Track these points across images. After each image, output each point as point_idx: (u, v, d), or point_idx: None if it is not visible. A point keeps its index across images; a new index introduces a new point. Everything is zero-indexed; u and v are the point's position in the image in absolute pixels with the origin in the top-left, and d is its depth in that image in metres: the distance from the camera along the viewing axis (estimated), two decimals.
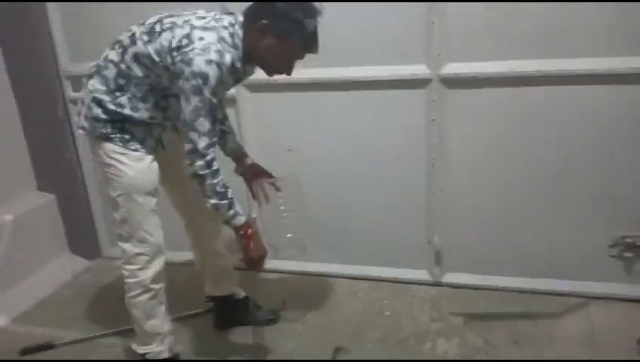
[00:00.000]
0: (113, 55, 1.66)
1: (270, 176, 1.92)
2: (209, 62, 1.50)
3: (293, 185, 1.94)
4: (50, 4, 2.49)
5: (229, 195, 1.63)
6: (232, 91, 2.11)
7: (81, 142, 2.70)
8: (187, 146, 1.57)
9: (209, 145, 1.57)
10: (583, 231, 2.14)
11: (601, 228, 2.11)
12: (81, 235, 2.83)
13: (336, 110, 2.27)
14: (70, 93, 2.64)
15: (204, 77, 1.49)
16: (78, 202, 2.78)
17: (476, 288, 2.27)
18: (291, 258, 2.05)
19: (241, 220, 1.67)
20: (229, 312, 2.15)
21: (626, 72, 1.89)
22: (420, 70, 2.10)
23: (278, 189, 1.89)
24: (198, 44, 1.51)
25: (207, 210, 1.95)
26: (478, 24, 1.98)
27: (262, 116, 2.34)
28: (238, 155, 1.92)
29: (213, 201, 1.62)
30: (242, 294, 2.16)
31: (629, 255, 2.11)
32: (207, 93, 1.51)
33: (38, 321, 2.34)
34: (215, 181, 1.59)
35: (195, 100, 1.51)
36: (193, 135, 1.54)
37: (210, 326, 2.18)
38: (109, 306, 2.40)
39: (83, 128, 1.73)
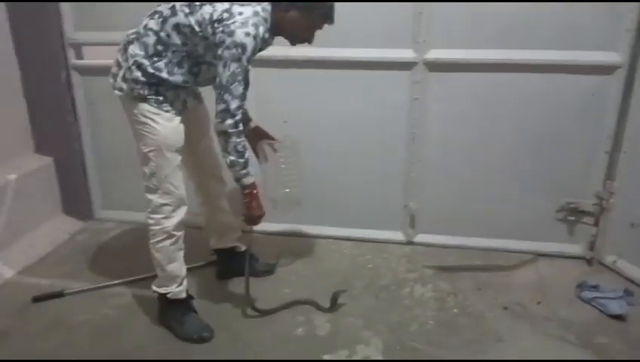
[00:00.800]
0: (153, 24, 1.85)
1: (271, 138, 2.17)
2: (247, 34, 1.73)
3: (291, 147, 2.16)
4: None
5: (246, 156, 1.87)
6: None
7: (81, 108, 2.84)
8: (220, 106, 1.78)
9: (239, 107, 1.80)
10: (534, 198, 2.53)
11: (550, 195, 2.51)
12: (75, 198, 2.95)
13: (329, 86, 2.53)
14: (73, 61, 2.76)
15: (244, 47, 1.72)
16: (74, 166, 2.90)
17: (445, 246, 2.63)
18: (288, 211, 2.24)
19: (250, 180, 1.91)
20: (231, 263, 2.39)
21: (573, 64, 2.28)
22: (406, 54, 2.41)
23: (275, 150, 2.13)
24: (238, 18, 1.74)
25: (215, 173, 2.21)
26: (458, 18, 2.31)
27: (261, 90, 2.55)
28: (244, 119, 2.11)
29: (232, 158, 1.85)
30: (243, 248, 2.41)
31: (571, 218, 2.53)
32: (244, 60, 1.74)
33: (43, 274, 2.48)
34: (239, 140, 1.83)
35: (233, 66, 1.74)
36: (227, 97, 1.76)
37: (212, 278, 2.41)
38: (108, 262, 2.58)
39: (120, 89, 1.91)
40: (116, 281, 2.38)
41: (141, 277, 2.37)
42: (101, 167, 2.96)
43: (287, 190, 2.14)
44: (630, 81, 2.25)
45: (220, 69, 1.76)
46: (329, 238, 2.71)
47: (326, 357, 1.92)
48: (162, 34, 1.83)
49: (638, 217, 2.33)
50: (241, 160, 1.85)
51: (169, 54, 1.85)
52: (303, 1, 1.82)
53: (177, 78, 1.88)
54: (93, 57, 2.84)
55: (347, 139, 2.60)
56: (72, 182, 2.93)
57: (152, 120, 1.89)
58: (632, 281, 2.34)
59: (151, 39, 1.84)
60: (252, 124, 2.18)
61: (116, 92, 1.95)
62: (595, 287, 2.28)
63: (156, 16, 1.86)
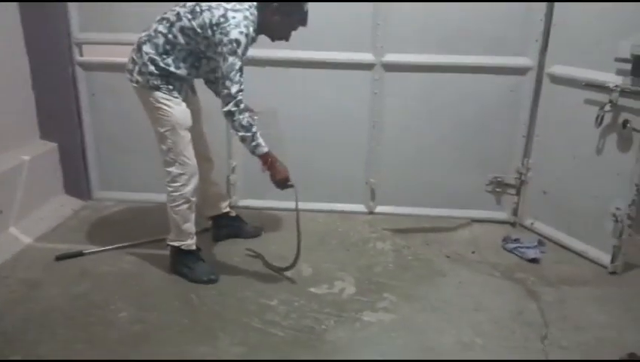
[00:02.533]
0: (162, 28, 2.31)
1: (251, 110, 2.50)
2: (241, 32, 2.19)
3: (271, 116, 2.58)
4: None
5: (254, 130, 2.26)
6: None
7: (84, 99, 3.21)
8: (224, 92, 2.22)
9: (239, 91, 2.22)
10: (468, 174, 3.14)
11: (481, 172, 3.13)
12: (76, 179, 3.31)
13: (304, 82, 3.05)
14: (77, 58, 3.15)
15: (238, 42, 2.18)
16: (75, 151, 3.27)
17: (399, 215, 3.19)
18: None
19: (263, 150, 2.28)
20: (224, 227, 2.85)
21: (496, 66, 2.91)
22: (367, 57, 2.98)
23: (254, 118, 2.42)
24: (232, 21, 2.20)
25: (205, 154, 2.63)
26: (409, 28, 2.90)
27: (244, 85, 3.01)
28: None
29: (241, 133, 2.25)
30: (234, 213, 2.88)
31: (498, 190, 3.16)
32: (239, 53, 2.19)
33: (59, 240, 2.85)
34: (242, 117, 2.24)
35: (231, 59, 2.18)
36: (228, 83, 2.20)
37: (209, 241, 2.86)
38: (113, 231, 2.97)
39: (137, 82, 2.34)
40: (127, 244, 2.78)
41: (148, 240, 2.79)
42: (100, 152, 3.34)
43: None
44: (539, 80, 2.90)
45: (221, 62, 2.20)
46: (304, 211, 3.17)
47: (312, 290, 2.43)
48: (170, 36, 2.28)
49: (548, 186, 2.98)
50: (249, 133, 2.25)
51: (175, 52, 2.30)
52: (284, 7, 2.28)
53: (183, 71, 2.33)
54: (90, 54, 3.22)
55: (319, 127, 3.12)
56: (73, 165, 3.28)
57: (166, 105, 2.33)
58: (545, 237, 2.98)
59: (160, 40, 2.29)
60: None
61: (133, 84, 2.38)
62: (516, 240, 2.91)
63: (164, 21, 2.31)
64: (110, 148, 3.31)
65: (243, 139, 2.27)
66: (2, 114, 2.89)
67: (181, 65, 2.33)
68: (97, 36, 3.12)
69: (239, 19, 2.21)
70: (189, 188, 2.40)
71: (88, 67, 3.18)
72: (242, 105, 2.24)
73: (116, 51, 3.03)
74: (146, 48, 2.31)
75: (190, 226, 2.46)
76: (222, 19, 2.21)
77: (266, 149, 2.29)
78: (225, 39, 2.18)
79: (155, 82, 2.31)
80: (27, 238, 2.82)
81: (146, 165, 3.10)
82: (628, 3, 2.43)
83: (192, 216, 2.47)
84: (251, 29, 2.25)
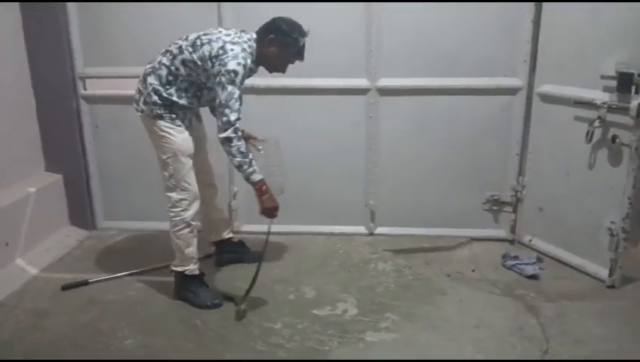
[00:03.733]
0: (165, 60, 2.41)
1: (254, 138, 2.65)
2: (238, 64, 2.28)
3: (273, 144, 2.65)
4: (72, 17, 3.09)
5: (250, 157, 2.33)
6: None
7: (87, 131, 3.30)
8: (222, 119, 2.27)
9: (237, 119, 2.27)
10: (466, 194, 3.20)
11: (477, 191, 3.19)
12: (80, 210, 3.38)
13: (300, 109, 3.13)
14: (82, 91, 3.25)
15: (236, 73, 2.27)
16: (80, 182, 3.34)
17: (399, 235, 3.24)
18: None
19: (258, 177, 2.33)
20: (227, 252, 2.90)
21: (487, 87, 2.99)
22: (362, 82, 3.08)
23: (258, 150, 2.60)
24: (230, 53, 2.30)
25: (209, 181, 2.70)
26: (401, 53, 3.00)
27: (246, 112, 3.03)
28: None
29: (238, 159, 2.31)
30: (236, 239, 2.93)
31: (495, 208, 3.21)
32: (237, 82, 2.27)
33: (64, 270, 2.90)
34: (240, 143, 2.28)
35: (230, 87, 2.26)
36: (227, 111, 2.25)
37: (212, 266, 2.90)
38: (118, 259, 3.02)
39: (142, 111, 2.44)
40: (132, 271, 2.83)
41: (153, 267, 2.84)
42: (103, 182, 3.41)
43: (272, 178, 2.53)
44: (530, 99, 2.99)
45: (220, 91, 2.27)
46: (305, 234, 3.27)
47: (315, 312, 2.46)
48: (172, 68, 2.38)
49: (544, 203, 3.04)
50: (246, 159, 2.30)
51: (178, 83, 2.40)
52: (281, 40, 2.37)
53: (185, 100, 2.42)
54: (93, 88, 3.32)
55: (317, 151, 3.19)
56: (77, 196, 3.36)
57: (168, 133, 2.42)
58: (543, 253, 3.02)
59: (164, 72, 2.40)
60: None
61: (138, 113, 2.48)
62: (515, 257, 2.95)
63: (167, 54, 2.41)
64: (113, 178, 3.39)
65: (240, 166, 2.31)
66: (8, 147, 2.98)
67: (183, 95, 2.43)
68: (100, 70, 3.23)
69: (237, 52, 2.31)
70: (190, 213, 2.46)
71: (92, 100, 3.27)
72: (240, 133, 2.31)
73: (118, 84, 3.15)
74: (151, 79, 2.41)
75: (193, 251, 2.52)
76: (220, 52, 2.31)
77: (261, 176, 2.34)
78: (223, 69, 2.27)
79: (159, 111, 2.41)
80: (34, 269, 2.87)
81: (149, 194, 3.17)
82: (610, 22, 2.52)
83: (195, 241, 2.52)
84: (249, 61, 2.34)
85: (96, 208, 3.44)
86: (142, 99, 2.44)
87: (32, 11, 3.06)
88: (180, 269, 2.53)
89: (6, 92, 2.99)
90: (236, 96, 2.27)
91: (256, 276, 2.47)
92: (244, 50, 2.34)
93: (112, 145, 3.32)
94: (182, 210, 2.46)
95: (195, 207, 2.49)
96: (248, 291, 2.47)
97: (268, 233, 2.52)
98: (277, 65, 2.46)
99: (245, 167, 2.32)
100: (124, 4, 3.05)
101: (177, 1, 3.00)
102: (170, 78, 2.40)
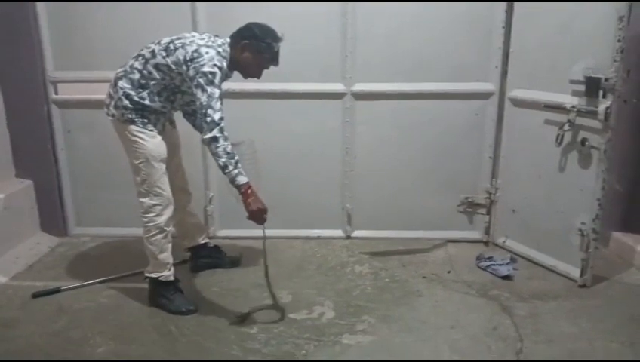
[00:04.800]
0: (137, 64, 2.38)
1: (231, 142, 2.51)
2: (214, 65, 2.25)
3: (248, 146, 2.63)
4: (42, 20, 3.03)
5: (236, 158, 2.24)
6: None
7: (59, 137, 3.24)
8: (206, 120, 2.19)
9: (221, 118, 2.22)
10: (441, 196, 3.23)
11: (452, 193, 3.23)
12: (52, 216, 3.31)
13: (276, 113, 3.13)
14: (52, 96, 3.19)
15: (213, 74, 2.24)
16: (51, 188, 3.27)
17: (376, 238, 3.26)
18: None
19: (243, 179, 2.24)
20: (202, 257, 2.86)
21: (461, 92, 3.05)
22: (337, 87, 3.09)
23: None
24: (205, 56, 2.27)
25: (183, 186, 2.67)
26: (375, 59, 3.03)
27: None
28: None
29: (223, 160, 2.21)
30: (212, 244, 2.90)
31: (469, 210, 3.26)
32: (216, 83, 2.24)
33: (35, 278, 2.83)
34: (226, 143, 2.22)
35: (210, 89, 2.22)
36: (210, 111, 2.20)
37: (187, 272, 2.87)
38: (90, 266, 2.96)
39: (113, 115, 2.41)
40: (104, 278, 2.77)
41: (125, 274, 2.80)
42: (75, 188, 3.34)
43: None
44: (502, 104, 3.04)
45: (199, 93, 2.23)
46: (282, 238, 3.24)
47: (291, 316, 2.45)
48: (145, 71, 2.36)
49: (516, 205, 3.09)
50: (232, 160, 2.22)
51: (150, 86, 2.37)
52: (255, 45, 2.36)
53: (157, 104, 2.40)
54: (65, 92, 3.26)
55: (294, 155, 3.20)
56: (49, 202, 3.28)
57: (140, 137, 2.39)
58: (517, 254, 3.06)
59: (136, 75, 2.37)
60: None
61: (109, 118, 2.44)
62: (490, 258, 2.99)
63: (140, 58, 2.39)
64: (86, 184, 3.32)
65: (225, 166, 2.23)
66: None
67: (156, 98, 2.40)
68: (72, 74, 3.17)
69: (212, 54, 2.29)
70: (163, 218, 2.43)
71: (63, 105, 3.21)
72: (226, 133, 2.24)
73: (92, 89, 3.10)
74: (122, 83, 2.38)
75: (167, 257, 2.48)
76: (195, 54, 2.29)
77: (246, 179, 2.28)
78: (200, 72, 2.24)
79: (130, 116, 2.38)
80: (3, 277, 2.79)
81: (122, 200, 3.12)
82: (579, 29, 2.59)
83: (168, 247, 2.49)
84: (224, 63, 2.33)
85: (68, 214, 3.37)
86: (112, 104, 2.41)
87: (1, 15, 2.99)
88: (153, 275, 2.49)
89: None
90: (217, 95, 2.23)
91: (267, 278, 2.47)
92: (218, 53, 2.32)
93: (84, 150, 3.26)
94: (155, 216, 2.42)
95: (169, 212, 2.46)
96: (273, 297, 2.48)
97: (264, 238, 2.44)
98: (251, 71, 2.44)
99: (231, 168, 2.23)
100: (99, 7, 3.01)
101: (151, 1, 2.97)
102: (143, 81, 2.38)
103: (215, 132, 2.22)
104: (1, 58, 3.06)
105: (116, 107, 2.39)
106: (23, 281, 2.79)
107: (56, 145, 3.25)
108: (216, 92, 2.24)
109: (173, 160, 2.59)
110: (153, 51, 2.37)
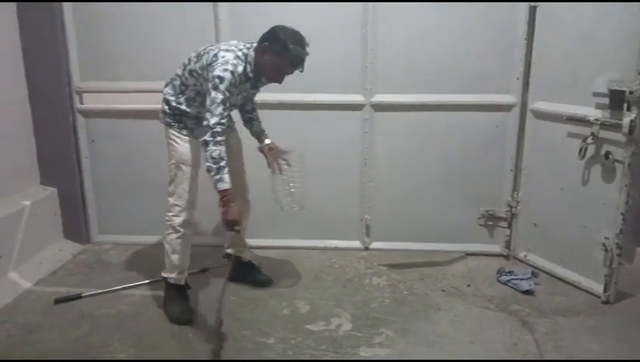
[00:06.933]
0: (179, 71, 2.47)
1: (283, 151, 2.61)
2: (225, 70, 2.25)
3: (297, 156, 2.62)
4: (69, 32, 3.12)
5: (222, 164, 2.19)
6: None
7: (83, 145, 3.31)
8: (204, 123, 2.24)
9: (217, 123, 2.19)
10: (461, 209, 3.20)
11: (472, 206, 3.19)
12: (75, 223, 3.37)
13: (297, 124, 3.13)
14: (78, 105, 3.26)
15: (221, 79, 2.23)
16: (75, 196, 3.34)
17: (394, 250, 3.23)
18: (294, 210, 2.60)
19: (222, 186, 2.20)
20: (239, 270, 2.80)
21: (482, 103, 3.02)
22: (357, 98, 3.10)
23: (288, 164, 2.58)
24: (220, 60, 2.29)
25: (241, 193, 2.62)
26: (395, 70, 3.03)
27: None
28: (260, 136, 2.66)
29: (208, 164, 2.20)
30: (247, 258, 2.86)
31: (490, 223, 3.22)
32: (222, 88, 2.21)
33: (58, 284, 2.88)
34: (214, 148, 2.18)
35: (213, 93, 2.21)
36: (208, 115, 2.21)
37: (210, 279, 2.89)
38: (112, 273, 3.01)
39: (159, 118, 2.52)
40: (125, 285, 2.81)
41: (146, 281, 2.84)
42: (98, 196, 3.40)
43: (294, 190, 2.57)
44: (523, 116, 3.01)
45: (207, 96, 2.25)
46: (300, 248, 3.26)
47: (308, 327, 2.45)
48: (183, 78, 2.44)
49: (538, 218, 3.04)
50: (215, 165, 2.19)
51: (187, 91, 2.45)
52: (273, 48, 2.29)
53: (193, 109, 2.46)
54: (90, 102, 3.33)
55: (312, 165, 3.14)
56: (72, 209, 3.34)
57: (174, 140, 2.47)
58: (538, 269, 3.02)
59: (177, 81, 2.47)
60: (267, 140, 2.63)
61: (159, 120, 2.54)
62: (510, 272, 2.95)
63: (182, 65, 2.47)
64: (109, 192, 3.38)
65: (208, 170, 2.22)
66: (4, 160, 2.99)
67: (191, 103, 2.47)
68: (97, 85, 3.24)
69: (228, 58, 2.29)
70: (179, 219, 2.47)
71: (88, 114, 3.28)
72: (219, 138, 2.22)
73: (115, 99, 3.17)
74: (166, 90, 2.52)
75: (179, 259, 2.50)
76: (213, 59, 2.31)
77: (226, 186, 2.23)
78: (210, 76, 2.26)
79: (167, 120, 2.49)
80: (27, 283, 2.85)
81: (144, 208, 3.17)
82: (603, 41, 2.56)
83: (182, 250, 2.51)
84: (240, 68, 2.32)
85: (90, 222, 3.43)
86: (160, 108, 2.53)
87: (31, 27, 3.08)
88: (165, 275, 2.55)
89: (3, 106, 3.00)
90: (218, 100, 2.22)
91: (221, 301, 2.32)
92: (237, 57, 2.32)
93: (108, 159, 3.33)
94: (173, 215, 2.48)
95: (186, 215, 2.48)
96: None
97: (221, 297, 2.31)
98: (271, 75, 2.40)
99: (212, 173, 2.21)
100: (123, 19, 3.08)
101: (174, 1, 3.02)
102: (182, 87, 2.46)
103: (207, 136, 2.21)
104: (31, 68, 3.15)
105: (161, 111, 2.51)
106: (46, 287, 2.84)
107: (81, 154, 3.31)
108: (219, 97, 2.22)
109: (232, 162, 2.44)
110: (190, 58, 2.45)
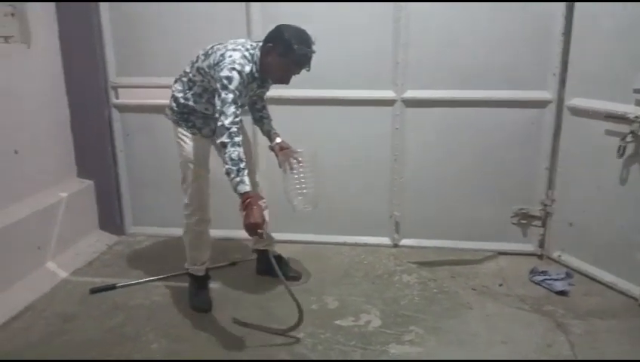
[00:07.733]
0: (187, 68, 2.48)
1: (294, 150, 2.58)
2: (233, 69, 2.19)
3: (309, 156, 2.59)
4: (106, 30, 3.20)
5: (242, 166, 2.13)
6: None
7: (118, 139, 3.38)
8: (218, 125, 2.16)
9: (232, 123, 2.14)
10: (494, 207, 3.15)
11: (505, 204, 3.13)
12: (110, 215, 3.45)
13: (327, 119, 3.14)
14: (113, 100, 3.34)
15: (229, 79, 2.17)
16: (110, 188, 3.42)
17: (425, 247, 3.21)
18: (306, 210, 2.58)
19: (243, 188, 2.12)
20: (263, 263, 2.84)
21: (516, 100, 2.96)
22: (388, 94, 3.07)
23: (298, 161, 2.55)
24: (227, 60, 2.25)
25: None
26: (427, 65, 2.99)
27: (275, 122, 3.04)
28: (271, 135, 2.65)
29: (227, 166, 2.13)
30: (276, 253, 2.85)
31: (523, 222, 3.15)
32: (232, 88, 2.16)
33: (93, 274, 2.96)
34: (233, 149, 2.13)
35: (223, 93, 2.17)
36: (222, 117, 2.15)
37: (238, 272, 2.95)
38: (146, 264, 3.07)
39: (167, 115, 2.54)
40: (158, 276, 2.87)
41: (178, 273, 2.86)
42: (133, 189, 3.48)
43: (306, 190, 2.54)
44: (560, 113, 2.94)
45: (216, 96, 2.20)
46: (329, 244, 3.26)
47: (338, 323, 2.45)
48: (191, 75, 2.44)
49: (574, 218, 2.97)
50: (234, 167, 2.13)
51: (195, 88, 2.44)
52: (278, 48, 2.24)
53: (200, 106, 2.45)
54: (125, 97, 3.40)
55: (342, 161, 3.19)
56: (108, 201, 3.43)
57: (182, 139, 2.49)
58: (573, 269, 2.94)
59: (185, 78, 2.48)
60: (278, 139, 2.60)
61: (167, 118, 2.56)
62: (544, 272, 2.89)
63: (190, 63, 2.47)
64: (143, 185, 3.45)
65: (228, 173, 2.16)
66: (43, 153, 3.08)
67: (198, 100, 2.46)
68: (131, 80, 3.30)
69: (235, 58, 2.24)
70: (194, 219, 2.52)
71: (123, 109, 3.35)
72: (236, 138, 2.17)
73: (149, 94, 3.22)
74: (175, 86, 2.52)
75: (196, 254, 2.60)
76: (220, 58, 2.28)
77: (247, 188, 2.15)
78: (218, 76, 2.24)
79: (175, 117, 2.51)
80: (63, 273, 2.94)
81: (177, 201, 3.18)
82: None
83: (198, 244, 2.58)
84: (248, 68, 2.26)
85: (125, 214, 3.51)
86: (168, 105, 2.55)
87: (68, 24, 3.17)
88: (186, 266, 2.65)
89: (43, 101, 3.09)
90: (229, 100, 2.17)
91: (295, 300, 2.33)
92: (244, 56, 2.27)
93: (141, 152, 3.40)
94: (187, 214, 2.53)
95: (199, 214, 2.51)
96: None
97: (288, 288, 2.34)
98: (276, 76, 2.35)
99: (233, 175, 2.15)
100: (156, 19, 3.14)
101: (208, 1, 3.05)
102: (190, 84, 2.47)
103: (224, 137, 2.15)
104: (69, 65, 3.23)
105: (169, 108, 2.53)
106: (82, 277, 2.92)
107: (116, 148, 3.39)
108: (229, 97, 2.18)
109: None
110: (198, 55, 2.45)
